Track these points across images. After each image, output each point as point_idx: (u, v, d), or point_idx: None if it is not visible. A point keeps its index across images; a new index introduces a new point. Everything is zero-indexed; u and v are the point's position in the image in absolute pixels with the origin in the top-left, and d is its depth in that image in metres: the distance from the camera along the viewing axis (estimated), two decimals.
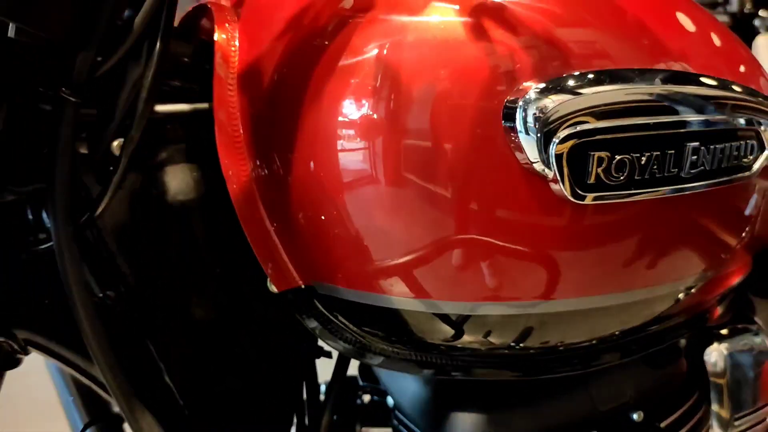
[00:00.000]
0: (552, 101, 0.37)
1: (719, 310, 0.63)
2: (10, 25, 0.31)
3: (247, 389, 0.49)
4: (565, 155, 0.38)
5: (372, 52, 0.41)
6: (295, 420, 0.55)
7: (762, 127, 0.46)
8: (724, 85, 0.43)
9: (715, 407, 0.70)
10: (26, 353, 0.43)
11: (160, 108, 0.42)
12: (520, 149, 0.38)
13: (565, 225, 0.40)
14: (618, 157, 0.39)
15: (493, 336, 0.47)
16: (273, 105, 0.44)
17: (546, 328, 0.48)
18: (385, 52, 0.41)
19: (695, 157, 0.41)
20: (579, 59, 0.40)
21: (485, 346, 0.48)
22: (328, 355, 0.54)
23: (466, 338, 0.47)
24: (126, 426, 0.55)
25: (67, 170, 0.36)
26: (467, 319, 0.46)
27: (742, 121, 0.44)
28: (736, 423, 0.71)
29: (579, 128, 0.37)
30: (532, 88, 0.38)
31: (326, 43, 0.42)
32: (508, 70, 0.39)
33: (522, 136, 0.37)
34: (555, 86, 0.38)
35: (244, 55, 0.44)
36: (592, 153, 0.38)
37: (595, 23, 0.42)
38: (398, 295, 0.44)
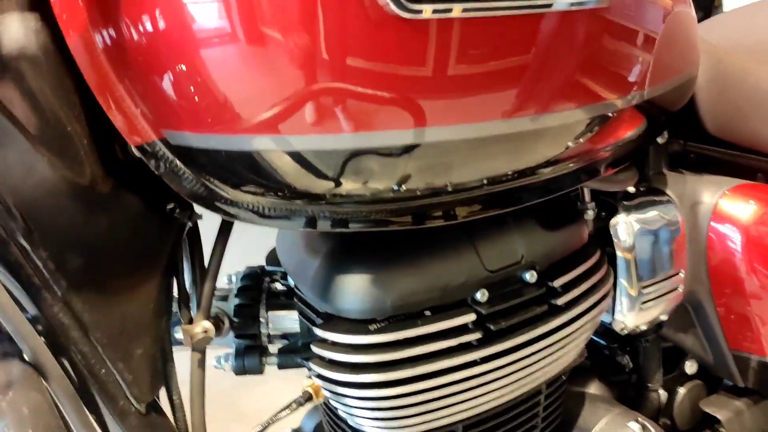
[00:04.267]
0: None
1: (613, 169, 0.62)
2: None
3: (117, 249, 0.49)
4: None
5: None
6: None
7: None
8: None
9: (621, 279, 0.71)
10: None
11: None
12: None
13: (412, 42, 0.39)
14: None
15: (373, 179, 0.46)
16: None
17: (429, 166, 0.47)
18: None
19: None
20: None
21: (369, 192, 0.47)
22: (200, 217, 0.54)
23: (346, 185, 0.46)
24: None
25: None
26: (345, 163, 0.44)
27: None
28: (644, 291, 0.71)
29: None
30: None
31: None
32: None
33: None
34: None
35: None
36: None
37: None
38: (263, 135, 0.43)
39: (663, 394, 0.82)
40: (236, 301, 0.64)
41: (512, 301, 0.57)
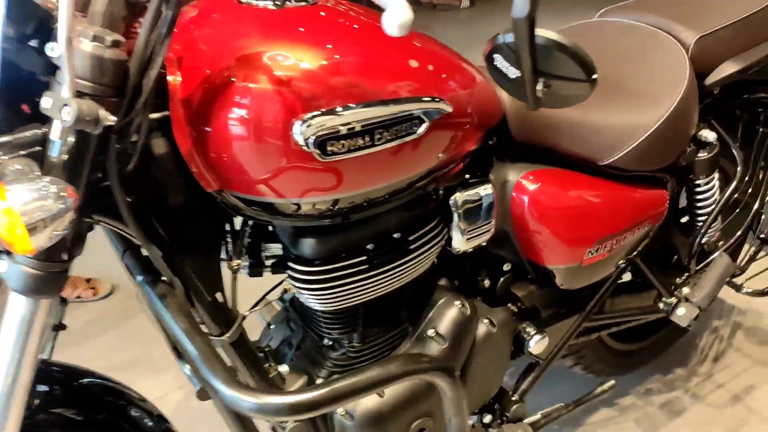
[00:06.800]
0: (311, 123, 0.91)
1: (458, 168, 1.20)
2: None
3: (197, 228, 1.06)
4: (317, 143, 0.92)
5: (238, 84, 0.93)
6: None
7: (423, 114, 1.00)
8: (399, 101, 0.96)
9: (455, 226, 1.28)
10: (97, 224, 0.99)
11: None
12: (297, 140, 0.92)
13: (329, 166, 0.96)
14: (341, 142, 0.93)
15: (319, 206, 1.03)
16: (199, 110, 0.96)
17: (349, 199, 1.04)
18: (249, 85, 0.93)
19: (380, 136, 0.96)
20: (328, 99, 0.93)
21: (318, 212, 1.05)
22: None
23: (304, 209, 1.03)
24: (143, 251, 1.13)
25: (114, 159, 0.89)
26: (299, 207, 1.01)
27: (409, 113, 0.98)
28: (469, 232, 1.29)
29: (321, 133, 0.91)
30: (303, 117, 0.91)
31: (217, 82, 0.94)
32: (293, 105, 0.91)
33: (299, 138, 0.91)
34: (313, 115, 0.91)
35: (184, 84, 0.95)
36: (328, 141, 0.92)
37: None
38: (260, 195, 0.99)
39: (488, 282, 1.44)
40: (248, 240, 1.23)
41: (386, 248, 1.16)
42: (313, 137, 0.91)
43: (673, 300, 1.62)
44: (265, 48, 0.94)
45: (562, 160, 1.36)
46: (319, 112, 0.91)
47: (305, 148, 0.92)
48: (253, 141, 0.93)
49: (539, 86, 0.80)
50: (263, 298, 1.28)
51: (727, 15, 1.49)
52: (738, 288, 1.69)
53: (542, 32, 0.76)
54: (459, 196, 1.25)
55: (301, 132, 0.91)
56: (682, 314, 1.58)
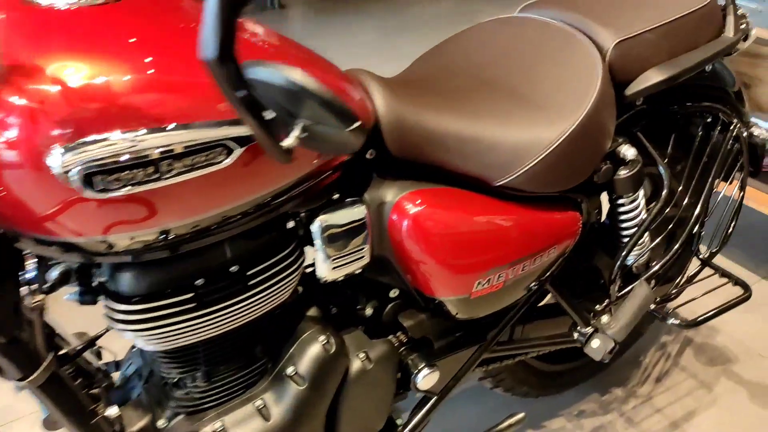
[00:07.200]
0: (72, 152, 0.75)
1: (321, 188, 1.05)
2: None
3: None
4: (83, 176, 0.76)
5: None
6: None
7: (232, 140, 0.84)
8: (194, 126, 0.80)
9: (319, 251, 1.13)
10: None
11: None
12: (55, 173, 0.77)
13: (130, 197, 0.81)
14: (114, 176, 0.78)
15: (142, 239, 0.88)
16: None
17: (184, 227, 0.89)
18: (6, 100, 0.78)
19: (169, 167, 0.80)
20: (99, 124, 0.77)
21: (142, 245, 0.89)
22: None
23: (120, 244, 0.88)
24: None
25: None
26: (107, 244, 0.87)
27: (210, 140, 0.82)
28: (337, 260, 1.13)
29: (86, 164, 0.76)
30: (63, 144, 0.76)
31: None
32: (52, 129, 0.76)
33: (57, 170, 0.76)
34: (75, 144, 0.76)
35: None
36: (97, 175, 0.77)
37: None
38: (50, 234, 0.84)
39: (371, 310, 1.28)
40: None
41: (218, 284, 1.01)
42: (77, 169, 0.76)
43: (589, 330, 1.46)
44: (34, 57, 0.78)
45: (454, 179, 1.20)
46: (83, 140, 0.76)
47: (67, 183, 0.77)
48: (12, 170, 0.78)
49: (296, 132, 0.65)
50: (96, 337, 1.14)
51: (653, 17, 1.31)
52: (664, 317, 1.53)
53: (290, 74, 0.60)
54: (322, 219, 1.10)
55: (60, 163, 0.76)
56: (596, 347, 1.43)
